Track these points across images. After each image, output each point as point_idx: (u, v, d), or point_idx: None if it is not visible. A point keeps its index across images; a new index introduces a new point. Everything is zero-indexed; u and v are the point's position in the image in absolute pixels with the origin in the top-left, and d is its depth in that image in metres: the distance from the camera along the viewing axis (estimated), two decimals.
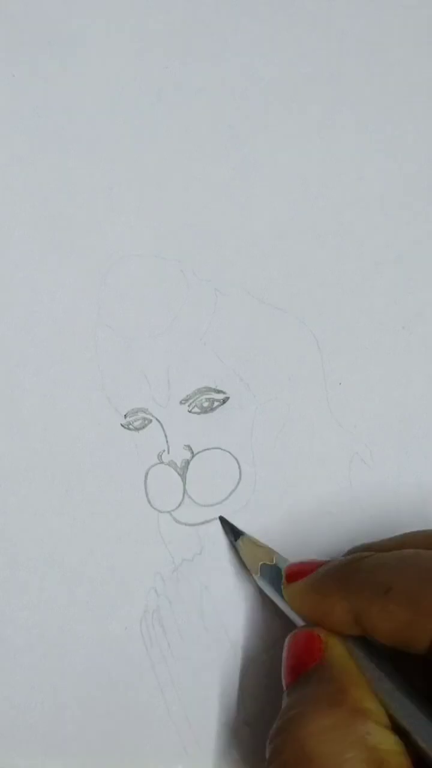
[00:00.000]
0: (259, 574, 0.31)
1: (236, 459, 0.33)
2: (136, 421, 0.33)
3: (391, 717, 0.25)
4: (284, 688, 0.27)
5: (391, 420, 0.33)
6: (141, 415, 0.33)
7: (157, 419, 0.33)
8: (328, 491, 0.33)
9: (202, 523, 0.33)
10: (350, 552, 0.29)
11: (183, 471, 0.33)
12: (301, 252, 0.34)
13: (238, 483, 0.33)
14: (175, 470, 0.33)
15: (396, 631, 0.25)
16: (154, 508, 0.33)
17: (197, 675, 0.32)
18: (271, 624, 0.32)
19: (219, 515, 0.32)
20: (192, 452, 0.33)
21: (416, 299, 0.34)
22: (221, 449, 0.33)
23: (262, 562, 0.31)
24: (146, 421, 0.33)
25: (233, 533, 0.32)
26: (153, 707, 0.32)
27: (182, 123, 0.35)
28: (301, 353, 0.33)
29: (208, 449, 0.33)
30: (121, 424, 0.33)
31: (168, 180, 0.35)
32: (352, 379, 0.33)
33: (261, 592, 0.31)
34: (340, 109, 0.35)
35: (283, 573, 0.29)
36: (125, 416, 0.33)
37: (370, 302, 0.34)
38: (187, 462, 0.33)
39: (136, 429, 0.33)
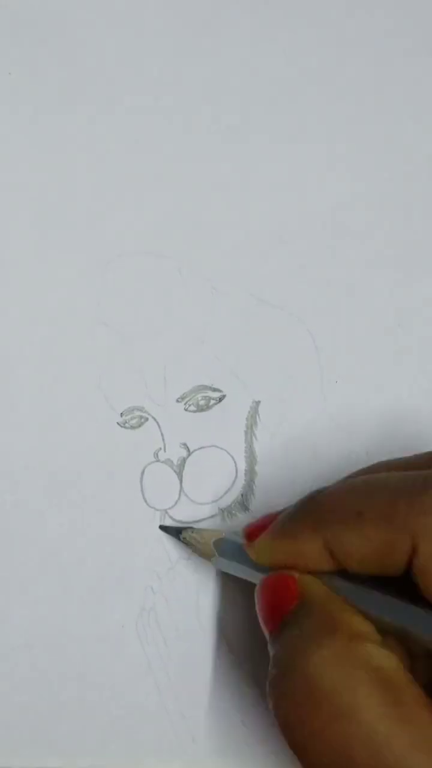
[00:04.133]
0: (216, 555, 0.30)
1: (232, 457, 0.33)
2: (133, 420, 0.33)
3: (383, 633, 0.25)
4: (268, 638, 0.26)
5: (388, 418, 0.33)
6: (137, 413, 0.33)
7: (153, 417, 0.33)
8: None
9: (199, 521, 0.33)
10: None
11: (179, 469, 0.33)
12: (299, 250, 0.34)
13: (234, 481, 0.33)
14: (172, 468, 0.33)
15: (372, 555, 0.25)
16: (151, 507, 0.33)
17: (194, 673, 0.32)
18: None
19: (160, 525, 0.32)
20: (188, 450, 0.33)
21: (413, 298, 0.34)
22: (217, 447, 0.33)
23: (213, 539, 0.30)
24: (142, 420, 0.33)
25: (176, 531, 0.32)
26: (149, 705, 0.32)
27: (180, 121, 0.35)
28: (298, 351, 0.33)
29: (204, 447, 0.33)
30: (118, 423, 0.33)
31: (165, 178, 0.35)
32: (349, 377, 0.33)
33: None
34: (338, 107, 0.35)
35: (243, 534, 0.28)
36: (121, 414, 0.33)
37: (366, 301, 0.34)
38: (184, 460, 0.33)
39: (133, 427, 0.33)
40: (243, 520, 0.32)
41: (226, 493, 0.33)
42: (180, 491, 0.33)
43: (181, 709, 0.32)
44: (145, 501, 0.33)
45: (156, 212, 0.35)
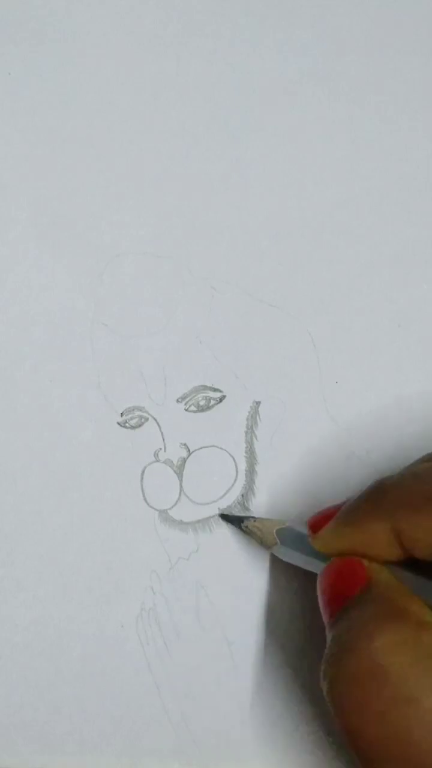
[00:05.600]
0: (277, 542, 0.30)
1: (233, 457, 0.33)
2: (133, 420, 0.33)
3: None
4: (327, 620, 0.26)
5: (388, 418, 0.33)
6: (137, 413, 0.33)
7: (153, 417, 0.33)
8: (325, 490, 0.33)
9: (199, 521, 0.33)
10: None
11: (179, 469, 0.33)
12: (298, 250, 0.34)
13: (235, 481, 0.33)
14: (172, 468, 0.33)
15: None
16: (151, 507, 0.33)
17: (193, 673, 0.32)
18: (268, 621, 0.32)
19: (218, 513, 0.32)
20: (188, 450, 0.33)
21: (412, 297, 0.34)
22: (218, 447, 0.33)
23: (276, 528, 0.30)
24: (143, 420, 0.33)
25: (237, 520, 0.32)
26: (149, 706, 0.32)
27: (179, 121, 0.35)
28: (298, 351, 0.33)
29: (204, 447, 0.33)
30: (118, 423, 0.33)
31: (164, 178, 0.35)
32: (349, 377, 0.33)
33: (257, 586, 0.31)
34: (336, 107, 0.35)
35: (307, 526, 0.28)
36: (122, 414, 0.33)
37: (366, 300, 0.34)
38: (184, 460, 0.33)
39: (133, 427, 0.33)
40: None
41: (226, 493, 0.33)
42: (180, 491, 0.33)
43: (181, 709, 0.32)
44: (145, 501, 0.33)
45: (156, 212, 0.35)
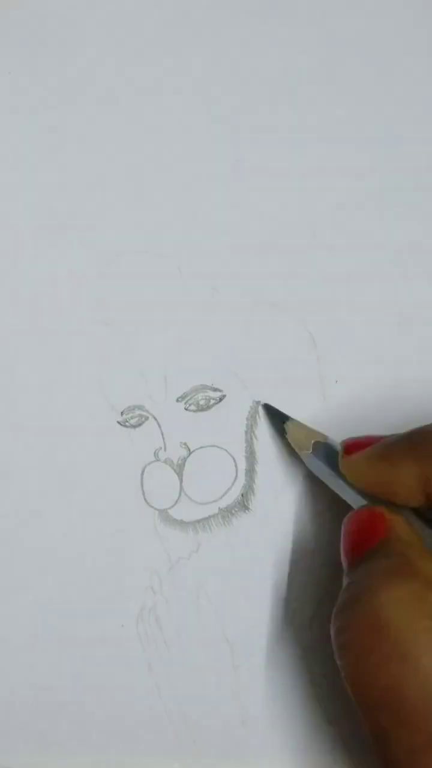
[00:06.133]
0: (311, 451, 0.30)
1: (233, 457, 0.33)
2: (133, 419, 0.33)
3: None
4: (345, 566, 0.27)
5: (388, 418, 0.33)
6: (138, 412, 0.33)
7: (153, 417, 0.33)
8: (325, 489, 0.33)
9: (199, 520, 0.32)
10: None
11: (179, 468, 0.33)
12: (298, 250, 0.34)
13: (235, 481, 0.33)
14: (172, 468, 0.33)
15: None
16: (151, 506, 0.33)
17: (194, 674, 0.32)
18: (269, 621, 0.32)
19: (263, 403, 0.32)
20: (188, 450, 0.33)
21: (412, 297, 0.34)
22: (218, 447, 0.33)
23: (315, 440, 0.30)
24: (143, 419, 0.33)
25: (280, 417, 0.32)
26: (149, 706, 0.32)
27: (179, 120, 0.35)
28: (298, 351, 0.33)
29: (204, 447, 0.33)
30: (118, 422, 0.33)
31: (165, 178, 0.35)
32: (349, 377, 0.33)
33: (258, 586, 0.31)
34: (336, 106, 0.35)
35: (342, 446, 0.28)
36: (122, 413, 0.33)
37: (366, 300, 0.34)
38: (184, 459, 0.33)
39: (133, 426, 0.33)
40: (244, 520, 0.32)
41: (226, 492, 0.33)
42: (180, 491, 0.33)
43: (180, 710, 0.32)
44: (145, 500, 0.33)
45: (156, 212, 0.35)
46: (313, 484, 0.32)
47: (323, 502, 0.31)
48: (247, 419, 0.33)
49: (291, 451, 0.32)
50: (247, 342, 0.34)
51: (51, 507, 0.33)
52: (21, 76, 0.36)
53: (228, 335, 0.34)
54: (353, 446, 0.28)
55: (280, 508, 0.32)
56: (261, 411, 0.33)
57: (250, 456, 0.33)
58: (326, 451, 0.30)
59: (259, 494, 0.33)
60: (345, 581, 0.26)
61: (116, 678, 0.32)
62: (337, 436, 0.31)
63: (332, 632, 0.25)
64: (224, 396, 0.33)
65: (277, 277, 0.34)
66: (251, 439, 0.33)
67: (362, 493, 0.28)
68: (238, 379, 0.33)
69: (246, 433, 0.33)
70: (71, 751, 0.32)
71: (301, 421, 0.32)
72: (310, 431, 0.31)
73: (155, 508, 0.33)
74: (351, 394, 0.33)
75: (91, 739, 0.32)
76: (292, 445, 0.31)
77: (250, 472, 0.33)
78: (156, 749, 0.32)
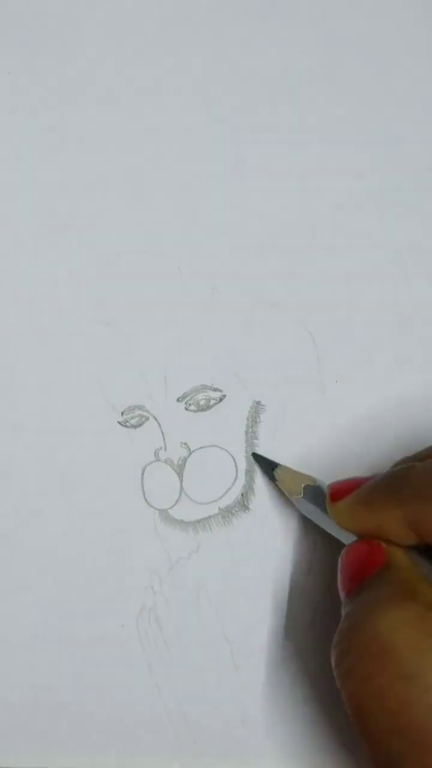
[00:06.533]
0: (301, 495, 0.30)
1: (233, 457, 0.33)
2: (133, 419, 0.33)
3: None
4: (343, 597, 0.27)
5: (388, 418, 0.33)
6: (138, 412, 0.33)
7: (154, 417, 0.33)
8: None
9: (199, 520, 0.32)
10: (394, 466, 0.29)
11: (180, 468, 0.33)
12: (298, 250, 0.34)
13: (235, 481, 0.33)
14: (172, 468, 0.33)
15: None
16: (151, 506, 0.33)
17: (194, 674, 0.32)
18: (269, 621, 0.32)
19: (252, 452, 0.33)
20: (189, 450, 0.33)
21: (412, 297, 0.34)
22: (218, 447, 0.33)
23: (304, 484, 0.30)
24: (143, 419, 0.33)
25: (269, 465, 0.32)
26: (149, 706, 0.32)
27: (179, 120, 0.35)
28: (298, 351, 0.33)
29: (204, 447, 0.33)
30: (118, 422, 0.33)
31: (165, 178, 0.35)
32: (349, 376, 0.33)
33: (259, 577, 0.31)
34: (336, 106, 0.35)
35: (327, 492, 0.29)
36: (122, 413, 0.33)
37: (366, 300, 0.34)
38: (184, 459, 0.33)
39: (133, 426, 0.33)
40: (244, 520, 0.32)
41: (226, 492, 0.33)
42: (180, 490, 0.33)
43: (180, 710, 0.32)
44: (146, 500, 0.33)
45: (156, 212, 0.35)
46: None
47: (307, 516, 0.31)
48: (247, 419, 0.33)
49: (284, 495, 0.32)
50: (248, 342, 0.34)
51: (51, 507, 0.33)
52: (21, 76, 0.36)
53: (228, 335, 0.34)
54: (339, 492, 0.28)
55: (280, 508, 0.32)
56: (252, 459, 0.33)
57: (251, 456, 0.33)
58: (315, 494, 0.30)
59: (260, 494, 0.33)
60: (344, 609, 0.26)
61: (116, 678, 0.32)
62: (337, 437, 0.31)
63: (333, 660, 0.25)
64: (224, 396, 0.33)
65: (277, 277, 0.34)
66: (251, 439, 0.33)
67: (354, 534, 0.28)
68: (238, 379, 0.33)
69: (246, 433, 0.33)
70: (71, 751, 0.32)
71: (290, 465, 0.32)
72: (299, 476, 0.31)
73: (155, 508, 0.33)
74: (351, 394, 0.33)
75: (91, 739, 0.32)
76: (284, 491, 0.31)
77: (251, 472, 0.33)
78: (156, 749, 0.32)
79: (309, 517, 0.30)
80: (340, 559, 0.28)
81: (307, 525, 0.32)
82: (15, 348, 0.34)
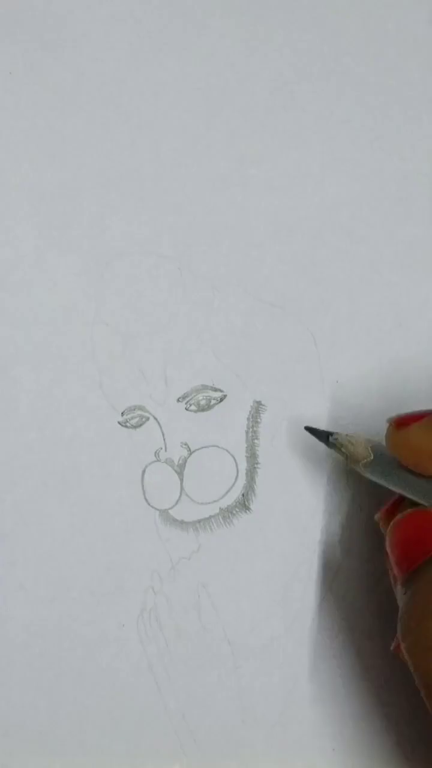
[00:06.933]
0: (370, 456, 0.28)
1: (233, 457, 0.33)
2: (134, 419, 0.33)
3: None
4: (398, 575, 0.26)
5: (389, 418, 0.33)
6: (138, 412, 0.33)
7: (154, 417, 0.33)
8: (326, 490, 0.33)
9: (200, 520, 0.32)
10: None
11: (180, 469, 0.33)
12: (299, 250, 0.34)
13: (236, 481, 0.33)
14: (173, 468, 0.33)
15: None
16: (151, 506, 0.33)
17: (194, 673, 0.32)
18: (269, 621, 0.32)
19: (306, 426, 0.31)
20: (189, 450, 0.33)
21: (413, 297, 0.34)
22: (218, 447, 0.33)
23: (369, 444, 0.28)
24: (143, 419, 0.33)
25: (324, 435, 0.30)
26: (150, 706, 0.32)
27: (179, 120, 0.35)
28: (299, 351, 0.33)
29: (205, 447, 0.33)
30: (119, 422, 0.33)
31: (165, 177, 0.35)
32: (350, 377, 0.33)
33: (258, 585, 0.31)
34: (337, 106, 0.35)
35: (391, 422, 0.27)
36: (122, 414, 0.33)
37: (367, 300, 0.34)
38: (185, 460, 0.33)
39: (134, 427, 0.33)
40: (244, 520, 0.32)
41: (227, 492, 0.33)
42: (181, 491, 0.33)
43: (181, 709, 0.32)
44: (146, 500, 0.33)
45: (157, 212, 0.35)
46: (314, 485, 0.32)
47: (324, 503, 0.31)
48: (247, 419, 0.33)
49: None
50: (248, 342, 0.34)
51: (51, 507, 0.33)
52: (21, 76, 0.36)
53: (229, 335, 0.34)
54: (405, 419, 0.27)
55: (280, 508, 0.32)
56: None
57: (251, 456, 0.33)
58: (385, 456, 0.28)
59: (260, 494, 0.33)
60: (403, 592, 0.25)
61: (117, 678, 0.32)
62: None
63: (404, 648, 0.24)
64: (225, 396, 0.33)
65: (278, 277, 0.34)
66: (252, 439, 0.33)
67: (420, 464, 0.26)
68: (238, 379, 0.33)
69: (247, 433, 0.33)
70: (71, 751, 0.32)
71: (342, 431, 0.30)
72: (361, 437, 0.29)
73: (156, 509, 0.33)
74: (352, 395, 0.33)
75: (91, 739, 0.32)
76: (347, 457, 0.29)
77: (251, 472, 0.33)
78: (156, 749, 0.32)
79: (379, 481, 0.28)
80: (391, 532, 0.26)
81: (308, 524, 0.32)
82: (15, 348, 0.34)
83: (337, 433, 0.30)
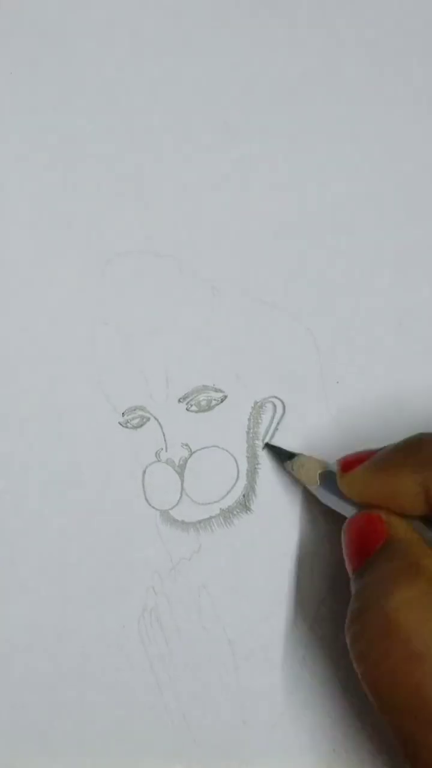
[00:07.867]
0: (318, 483, 0.30)
1: (234, 457, 0.33)
2: (134, 419, 0.33)
3: None
4: (350, 573, 0.27)
5: (389, 418, 0.33)
6: (139, 413, 0.33)
7: (155, 417, 0.33)
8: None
9: (200, 521, 0.33)
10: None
11: (181, 469, 0.33)
12: (299, 250, 0.34)
13: (236, 481, 0.33)
14: (173, 468, 0.33)
15: None
16: (152, 507, 0.33)
17: (195, 674, 0.32)
18: (270, 621, 0.32)
19: (265, 442, 0.32)
20: (190, 450, 0.33)
21: (413, 297, 0.34)
22: (219, 448, 0.33)
23: (320, 471, 0.30)
24: (144, 420, 0.33)
25: (282, 455, 0.32)
26: (151, 706, 0.32)
27: (179, 120, 0.35)
28: (299, 352, 0.33)
29: (206, 447, 0.33)
30: (119, 422, 0.33)
31: (165, 177, 0.35)
32: (350, 377, 0.33)
33: (259, 585, 0.31)
34: (337, 107, 0.35)
35: (338, 464, 0.28)
36: (123, 414, 0.33)
37: (367, 300, 0.34)
38: (185, 460, 0.33)
39: (134, 427, 0.33)
40: (245, 520, 0.32)
41: (228, 493, 0.33)
42: (181, 491, 0.33)
43: (181, 709, 0.32)
44: (147, 501, 0.33)
45: (156, 212, 0.35)
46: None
47: (325, 503, 0.31)
48: (248, 420, 0.33)
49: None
50: (249, 342, 0.34)
51: (52, 508, 0.33)
52: (21, 76, 0.36)
53: (229, 336, 0.34)
54: (350, 463, 0.28)
55: (281, 509, 0.32)
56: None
57: (252, 457, 0.33)
58: (333, 481, 0.29)
59: (261, 495, 0.33)
60: (353, 588, 0.26)
61: (117, 678, 0.32)
62: (339, 437, 0.31)
63: (348, 642, 0.25)
64: (226, 396, 0.33)
65: (278, 277, 0.34)
66: (253, 439, 0.33)
67: (366, 506, 0.28)
68: (239, 379, 0.33)
69: (247, 433, 0.33)
70: (71, 751, 0.32)
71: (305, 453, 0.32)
72: (314, 462, 0.30)
73: (156, 509, 0.33)
74: (352, 395, 0.33)
75: (92, 739, 0.32)
76: (301, 478, 0.31)
77: (252, 472, 0.33)
78: (156, 749, 0.32)
79: (329, 505, 0.30)
80: (342, 534, 0.28)
81: (308, 525, 0.32)
82: (16, 348, 0.34)
83: (298, 454, 0.31)
